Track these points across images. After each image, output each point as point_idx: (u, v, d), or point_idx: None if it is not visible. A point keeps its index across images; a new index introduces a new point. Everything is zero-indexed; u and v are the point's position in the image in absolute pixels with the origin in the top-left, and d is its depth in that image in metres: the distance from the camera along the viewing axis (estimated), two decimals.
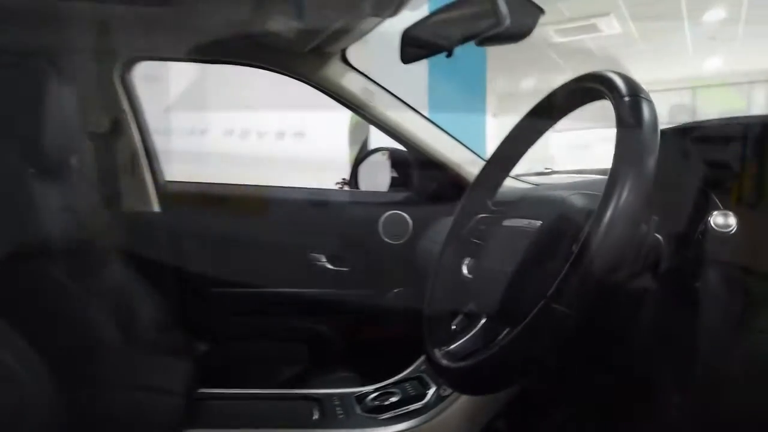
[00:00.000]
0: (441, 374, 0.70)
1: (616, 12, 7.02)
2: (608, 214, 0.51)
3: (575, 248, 0.55)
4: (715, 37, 8.20)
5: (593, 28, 7.61)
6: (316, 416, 1.29)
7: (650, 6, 6.90)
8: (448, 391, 1.04)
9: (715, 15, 7.33)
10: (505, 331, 0.63)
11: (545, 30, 7.72)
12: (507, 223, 0.74)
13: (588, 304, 0.52)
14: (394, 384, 1.16)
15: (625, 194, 0.51)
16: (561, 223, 0.62)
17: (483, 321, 0.74)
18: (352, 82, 1.73)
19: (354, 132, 7.50)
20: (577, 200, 0.65)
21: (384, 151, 2.12)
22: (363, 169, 2.21)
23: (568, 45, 8.49)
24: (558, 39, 8.11)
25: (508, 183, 1.92)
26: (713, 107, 10.44)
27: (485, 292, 0.74)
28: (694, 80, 10.41)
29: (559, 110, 0.75)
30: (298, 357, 1.84)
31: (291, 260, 1.85)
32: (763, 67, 9.36)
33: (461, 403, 1.01)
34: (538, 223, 0.67)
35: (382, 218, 1.85)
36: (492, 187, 0.86)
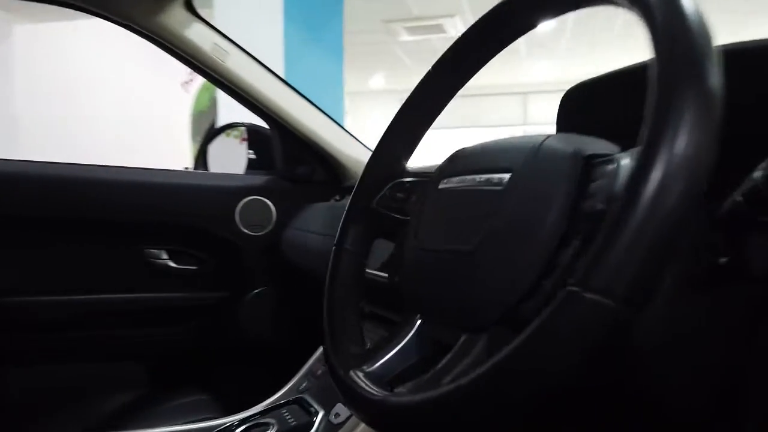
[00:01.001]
0: (369, 411, 0.45)
1: (461, 14, 7.27)
2: (663, 156, 0.30)
3: (609, 207, 0.34)
4: (545, 45, 8.91)
5: (439, 29, 7.82)
6: None
7: None
8: (342, 416, 0.79)
9: (546, 25, 7.92)
10: (480, 341, 0.41)
11: (394, 27, 7.79)
12: (447, 184, 0.51)
13: (646, 295, 0.31)
14: (267, 412, 0.88)
15: (687, 126, 0.31)
16: (553, 174, 0.41)
17: (417, 326, 0.51)
18: (199, 36, 1.40)
19: (198, 122, 6.91)
20: (566, 145, 0.43)
21: (239, 128, 1.81)
22: (214, 148, 1.87)
23: (415, 44, 8.68)
24: (406, 37, 8.23)
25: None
26: (542, 112, 11.41)
27: (423, 283, 0.50)
28: (525, 86, 11.29)
29: (519, 22, 0.54)
30: (131, 381, 1.46)
31: (119, 257, 1.46)
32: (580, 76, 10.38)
33: (364, 429, 0.78)
34: (506, 176, 0.44)
35: (240, 205, 1.54)
36: (409, 141, 0.63)
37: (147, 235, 1.49)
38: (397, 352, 0.50)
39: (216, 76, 1.43)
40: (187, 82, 7.06)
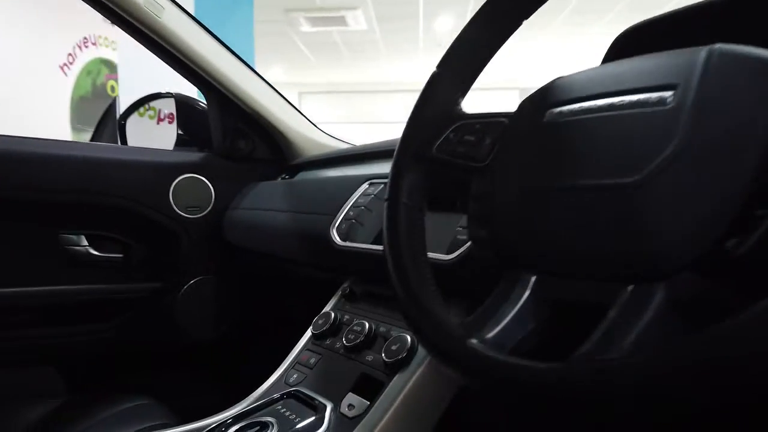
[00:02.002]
0: (530, 386, 0.35)
1: (364, 7, 7.23)
2: None
3: None
4: (441, 44, 9.13)
5: (342, 21, 7.73)
6: None
7: (394, 6, 7.28)
8: (358, 407, 0.68)
9: (444, 24, 8.11)
10: (658, 293, 0.32)
11: (296, 16, 7.58)
12: (560, 116, 0.43)
13: None
14: (255, 410, 0.75)
15: None
16: (744, 80, 0.33)
17: (531, 285, 0.41)
18: None
19: (79, 108, 6.28)
20: (745, 49, 0.36)
21: (167, 98, 1.61)
22: (134, 122, 1.66)
23: (316, 36, 8.52)
24: (307, 28, 8.05)
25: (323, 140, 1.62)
26: None
27: (543, 231, 0.41)
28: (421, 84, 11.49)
29: None
30: (49, 390, 1.23)
31: (30, 244, 1.23)
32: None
33: (388, 422, 0.67)
34: (668, 94, 0.36)
35: (174, 184, 1.36)
36: (464, 80, 0.54)
37: (63, 218, 1.26)
38: (512, 318, 0.41)
39: (149, 33, 1.24)
40: (66, 65, 6.39)
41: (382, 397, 0.68)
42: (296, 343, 0.90)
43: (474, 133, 0.51)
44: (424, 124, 0.55)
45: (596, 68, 0.46)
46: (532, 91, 0.49)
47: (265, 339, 1.49)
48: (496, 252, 0.47)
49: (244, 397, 0.83)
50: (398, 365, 0.70)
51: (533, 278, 0.43)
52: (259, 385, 0.85)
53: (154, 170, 1.35)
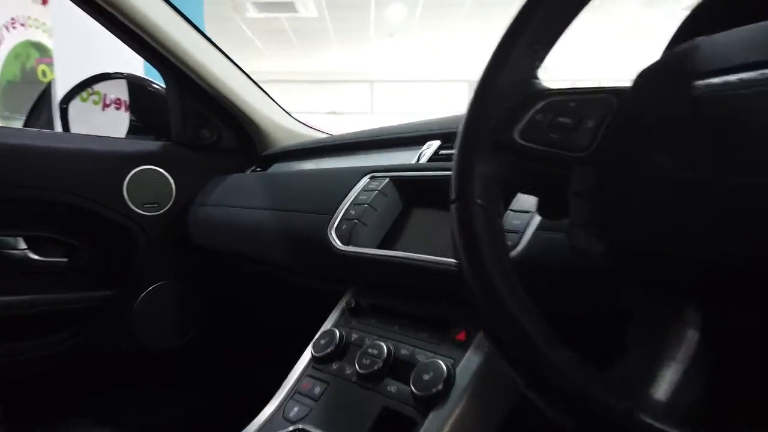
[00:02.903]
0: None
1: None
2: None
3: None
4: (393, 34, 9.01)
5: (291, 7, 7.47)
6: None
7: None
8: None
9: (396, 13, 7.99)
10: None
11: (242, 1, 7.27)
12: (720, 88, 0.31)
13: None
14: None
15: None
16: None
17: (698, 316, 0.30)
18: None
19: (6, 94, 5.80)
20: None
21: (117, 79, 1.42)
22: (75, 108, 1.45)
23: (264, 23, 8.22)
24: (254, 14, 7.74)
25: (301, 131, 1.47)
26: (387, 102, 11.61)
27: (721, 238, 0.30)
28: (372, 75, 11.37)
29: None
30: None
31: None
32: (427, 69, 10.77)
33: None
34: None
35: (128, 177, 1.18)
36: (542, 48, 0.42)
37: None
38: (678, 371, 0.30)
39: (104, 5, 1.06)
40: None
41: None
42: (283, 361, 0.76)
43: (570, 114, 0.39)
44: (498, 100, 0.42)
45: (751, 29, 0.35)
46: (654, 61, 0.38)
47: (240, 351, 1.34)
48: (622, 270, 0.35)
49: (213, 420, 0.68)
50: (433, 400, 0.57)
51: (693, 306, 0.31)
52: (240, 412, 0.71)
53: (105, 161, 1.17)
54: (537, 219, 0.58)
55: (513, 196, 0.59)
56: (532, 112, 0.41)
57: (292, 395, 0.71)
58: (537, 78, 0.43)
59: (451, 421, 0.56)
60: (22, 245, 1.10)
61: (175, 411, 1.29)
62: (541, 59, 0.44)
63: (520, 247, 0.56)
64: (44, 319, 1.12)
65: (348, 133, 1.18)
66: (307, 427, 0.64)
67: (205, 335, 1.30)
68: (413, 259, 0.68)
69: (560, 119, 0.40)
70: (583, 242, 0.36)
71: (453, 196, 0.42)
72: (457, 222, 0.41)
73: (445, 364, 0.59)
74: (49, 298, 1.13)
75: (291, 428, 0.65)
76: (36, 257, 1.12)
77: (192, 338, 1.28)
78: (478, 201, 0.41)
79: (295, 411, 0.68)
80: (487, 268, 0.39)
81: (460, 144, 0.43)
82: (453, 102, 11.18)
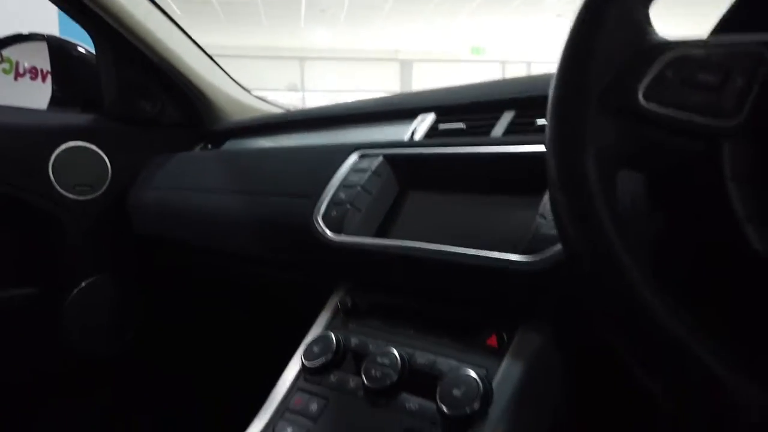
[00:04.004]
0: None
1: None
2: None
3: None
4: (325, 10, 8.77)
5: None
6: None
7: None
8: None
9: None
10: None
11: None
12: None
13: None
14: None
15: None
16: None
17: None
18: None
19: None
20: None
21: (34, 41, 1.21)
22: None
23: None
24: None
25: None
26: (318, 79, 11.37)
27: None
28: (303, 51, 11.05)
29: None
30: None
31: None
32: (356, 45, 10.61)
33: None
34: None
35: (54, 156, 1.01)
36: None
37: None
38: None
39: None
40: None
41: None
42: (257, 369, 0.65)
43: (712, 69, 0.30)
44: (609, 53, 0.33)
45: None
46: None
47: (192, 357, 1.19)
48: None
49: None
50: (469, 421, 0.48)
51: None
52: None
53: (25, 137, 0.99)
54: None
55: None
56: (659, 66, 0.32)
57: (282, 414, 0.59)
58: (652, 25, 0.34)
59: None
60: None
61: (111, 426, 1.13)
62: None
63: None
64: None
65: (314, 108, 1.06)
66: None
67: (148, 340, 1.14)
68: (425, 250, 0.57)
69: (700, 76, 0.30)
70: (757, 240, 0.28)
71: (554, 176, 0.32)
72: (569, 212, 0.31)
73: (478, 376, 0.50)
74: None
75: None
76: None
77: (132, 342, 1.12)
78: (594, 182, 0.31)
79: None
80: (622, 258, 0.29)
81: (553, 107, 0.33)
82: (390, 80, 11.12)
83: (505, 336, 0.53)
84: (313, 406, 0.58)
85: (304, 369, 0.61)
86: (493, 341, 0.53)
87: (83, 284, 1.06)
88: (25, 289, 1.02)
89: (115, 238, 1.08)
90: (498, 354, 0.52)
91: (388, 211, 0.69)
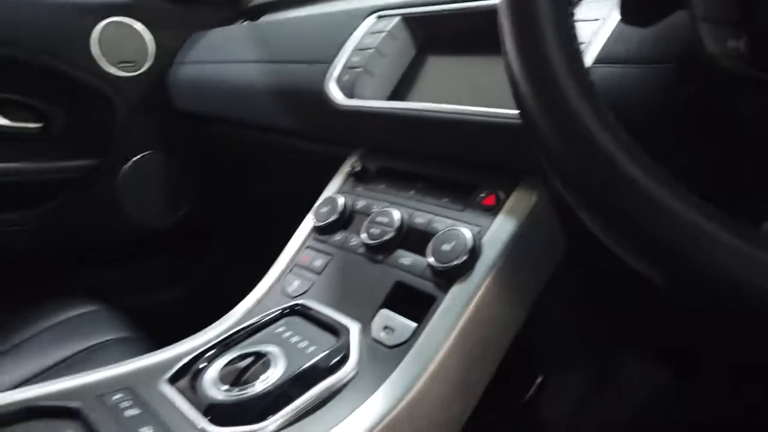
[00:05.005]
0: None
1: None
2: None
3: None
4: None
5: None
6: None
7: None
8: (401, 332, 0.47)
9: None
10: None
11: None
12: None
13: None
14: (248, 333, 0.54)
15: None
16: None
17: None
18: None
19: None
20: None
21: None
22: None
23: None
24: None
25: None
26: None
27: None
28: None
29: None
30: None
31: None
32: None
33: (448, 354, 0.46)
34: None
35: (96, 31, 1.03)
36: None
37: None
38: None
39: None
40: None
41: (435, 317, 0.48)
42: (286, 235, 0.67)
43: None
44: None
45: None
46: None
47: (237, 226, 1.26)
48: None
49: (213, 299, 0.61)
50: (455, 273, 0.49)
51: None
52: (241, 290, 0.63)
53: (67, 11, 1.01)
54: (594, 49, 0.45)
55: None
56: None
57: (291, 268, 0.62)
58: None
59: (476, 299, 0.47)
60: None
61: (171, 291, 1.24)
62: None
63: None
64: (18, 190, 1.03)
65: None
66: (308, 303, 0.56)
67: (198, 211, 1.21)
68: (433, 111, 0.56)
69: None
70: (714, 42, 0.25)
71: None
72: (510, 15, 0.29)
73: (470, 233, 0.50)
74: (22, 167, 1.03)
75: (290, 304, 0.57)
76: (6, 122, 1.00)
77: (185, 214, 1.19)
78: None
79: (294, 285, 0.60)
80: (560, 80, 0.27)
81: None
82: None
83: (500, 195, 0.52)
84: (318, 262, 0.61)
85: (313, 229, 0.64)
86: (490, 201, 0.52)
87: (134, 159, 1.12)
88: (85, 161, 1.09)
89: (163, 115, 1.11)
90: (493, 213, 0.51)
91: (403, 74, 0.67)
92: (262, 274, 0.65)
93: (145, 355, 0.56)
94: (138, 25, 1.08)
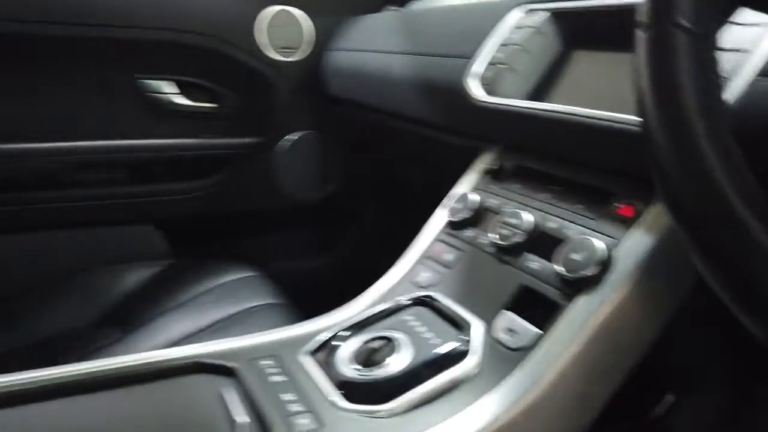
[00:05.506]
0: None
1: None
2: None
3: None
4: None
5: None
6: None
7: None
8: (523, 336, 0.48)
9: None
10: None
11: None
12: None
13: None
14: (373, 320, 0.58)
15: None
16: None
17: None
18: None
19: None
20: None
21: None
22: None
23: None
24: None
25: None
26: None
27: None
28: None
29: None
30: (142, 251, 1.15)
31: (106, 90, 1.08)
32: None
33: (571, 364, 0.47)
34: None
35: (259, 17, 1.12)
36: None
37: (141, 59, 1.09)
38: None
39: None
40: None
41: (560, 326, 0.48)
42: (419, 223, 0.70)
43: None
44: None
45: None
46: None
47: (378, 207, 1.34)
48: None
49: (353, 271, 0.65)
50: (584, 284, 0.48)
51: None
52: (377, 266, 0.68)
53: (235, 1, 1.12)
54: (758, 59, 0.42)
55: (727, 17, 0.43)
56: None
57: (423, 260, 0.66)
58: None
59: (606, 312, 0.47)
60: (165, 89, 1.12)
61: (316, 261, 1.35)
62: None
63: (733, 96, 0.41)
64: (195, 162, 1.18)
65: None
66: (436, 296, 0.59)
67: (344, 189, 1.29)
68: (574, 114, 0.55)
69: None
70: None
71: (642, 18, 0.29)
72: (648, 54, 0.29)
73: (603, 244, 0.49)
74: (199, 142, 1.16)
75: (421, 294, 0.60)
76: (183, 102, 1.13)
77: (332, 191, 1.29)
78: (684, 23, 0.27)
79: (425, 277, 0.63)
80: (690, 118, 0.26)
81: None
82: None
83: (639, 207, 0.50)
84: (449, 256, 0.63)
85: (448, 223, 0.66)
86: (628, 212, 0.51)
87: (290, 138, 1.22)
88: (248, 138, 1.21)
89: (316, 99, 1.19)
90: (629, 224, 0.50)
91: (546, 71, 0.65)
92: (396, 254, 0.69)
93: (290, 326, 0.62)
94: (297, 12, 1.16)
